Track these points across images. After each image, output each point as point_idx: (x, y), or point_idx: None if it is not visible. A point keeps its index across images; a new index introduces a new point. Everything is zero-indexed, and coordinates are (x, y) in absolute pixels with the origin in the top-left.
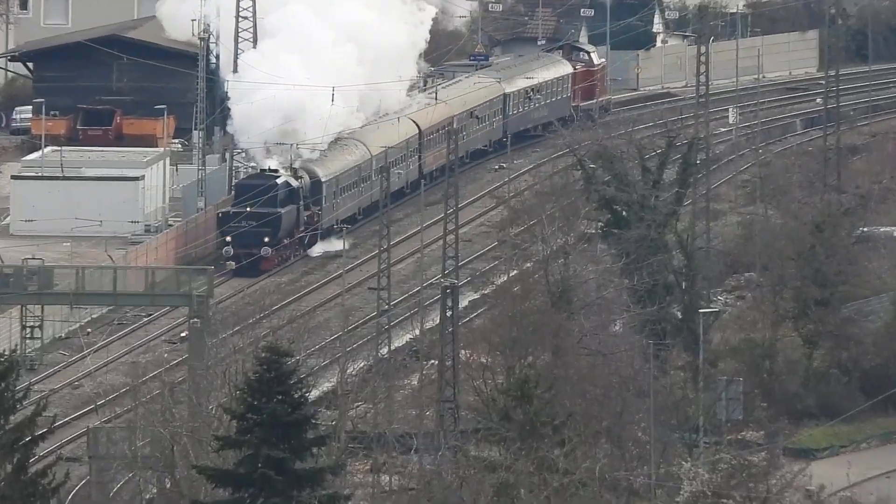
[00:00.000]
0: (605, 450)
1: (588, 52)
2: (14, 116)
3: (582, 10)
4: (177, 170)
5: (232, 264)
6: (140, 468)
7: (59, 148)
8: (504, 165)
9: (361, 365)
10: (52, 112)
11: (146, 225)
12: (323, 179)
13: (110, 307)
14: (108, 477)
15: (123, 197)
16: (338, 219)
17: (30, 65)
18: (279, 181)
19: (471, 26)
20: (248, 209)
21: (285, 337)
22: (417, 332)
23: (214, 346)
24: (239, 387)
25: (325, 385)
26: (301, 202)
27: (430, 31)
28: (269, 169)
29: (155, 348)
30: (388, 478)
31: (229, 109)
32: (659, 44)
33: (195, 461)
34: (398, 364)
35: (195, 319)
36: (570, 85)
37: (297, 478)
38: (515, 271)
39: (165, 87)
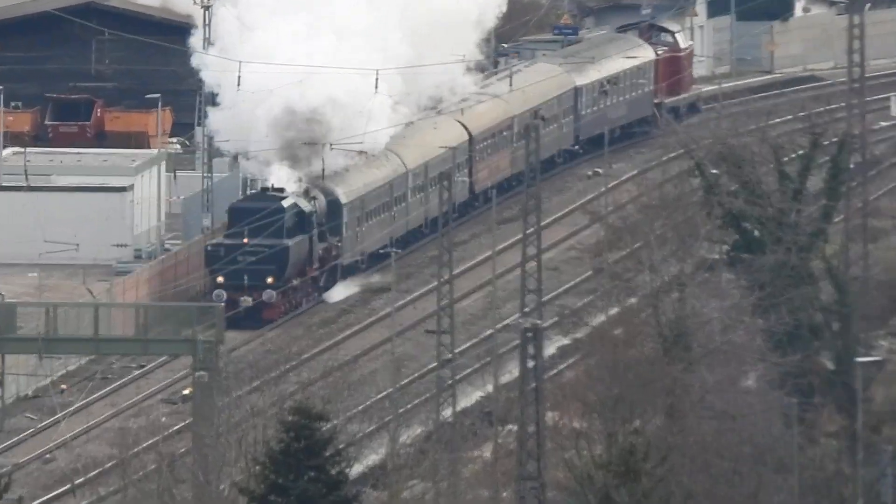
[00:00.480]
0: None
1: (672, 33)
2: None
3: None
4: (175, 178)
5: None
6: None
7: (22, 149)
8: (600, 171)
9: (418, 432)
10: (12, 103)
11: (136, 249)
12: (343, 201)
13: (91, 357)
14: None
15: (106, 213)
16: (363, 252)
17: None
18: (286, 203)
19: None
20: (244, 241)
21: (319, 395)
22: (490, 388)
23: (226, 406)
24: (259, 460)
25: (371, 458)
26: (315, 231)
27: None
28: (273, 187)
29: (149, 410)
30: None
31: (213, 97)
32: (799, 13)
33: None
34: (465, 430)
35: (201, 372)
36: (652, 75)
37: None
38: (616, 309)
39: (159, 70)
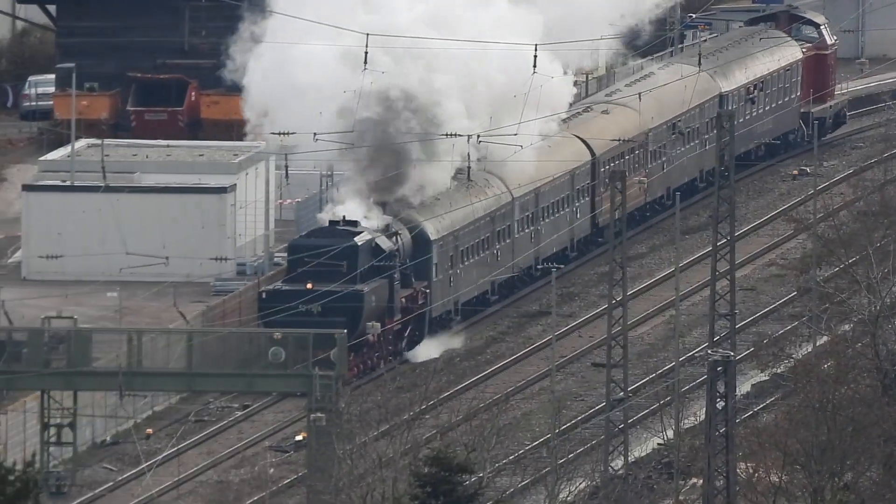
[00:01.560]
0: None
1: (818, 26)
2: (27, 91)
3: None
4: (287, 176)
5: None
6: None
7: (99, 141)
8: (807, 169)
9: (582, 486)
10: (87, 85)
11: (238, 264)
12: (433, 237)
13: (182, 394)
14: None
15: (202, 219)
16: (458, 301)
17: (51, 8)
18: (360, 240)
19: None
20: (308, 286)
21: (460, 441)
22: (670, 433)
23: (348, 455)
24: None
25: None
26: (397, 274)
27: None
28: (343, 220)
29: (254, 460)
30: None
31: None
32: None
33: None
34: (640, 485)
35: (318, 414)
36: (798, 79)
37: None
38: (826, 338)
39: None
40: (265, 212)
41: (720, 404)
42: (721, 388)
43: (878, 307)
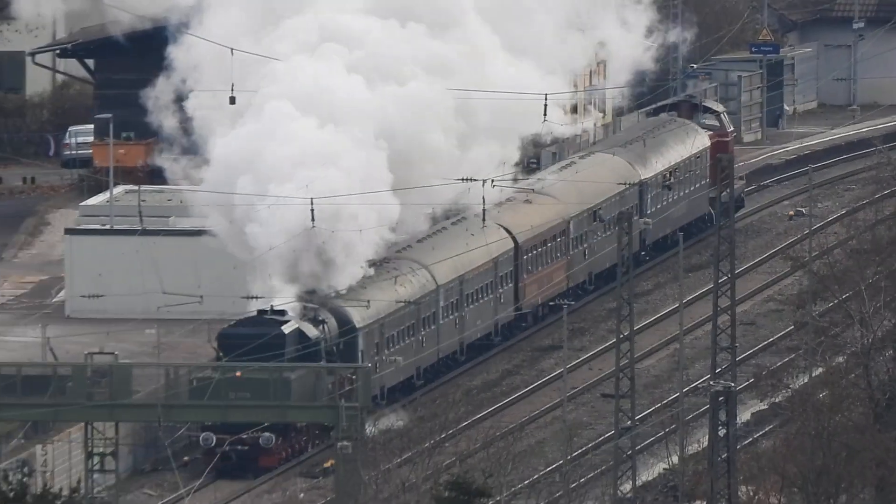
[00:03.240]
0: None
1: (718, 114)
2: (67, 140)
3: None
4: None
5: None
6: None
7: (135, 187)
8: (803, 210)
9: None
10: (123, 134)
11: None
12: (358, 325)
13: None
14: None
15: (234, 260)
16: (383, 386)
17: (89, 62)
18: (287, 329)
19: (752, 2)
20: (237, 374)
21: (479, 468)
22: (675, 459)
23: (373, 481)
24: None
25: None
26: (323, 361)
27: (691, 7)
28: (272, 309)
29: (286, 485)
30: None
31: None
32: None
33: None
34: None
35: (344, 442)
36: (706, 164)
37: None
38: (821, 369)
39: None
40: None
41: (722, 431)
42: (723, 417)
43: (870, 340)
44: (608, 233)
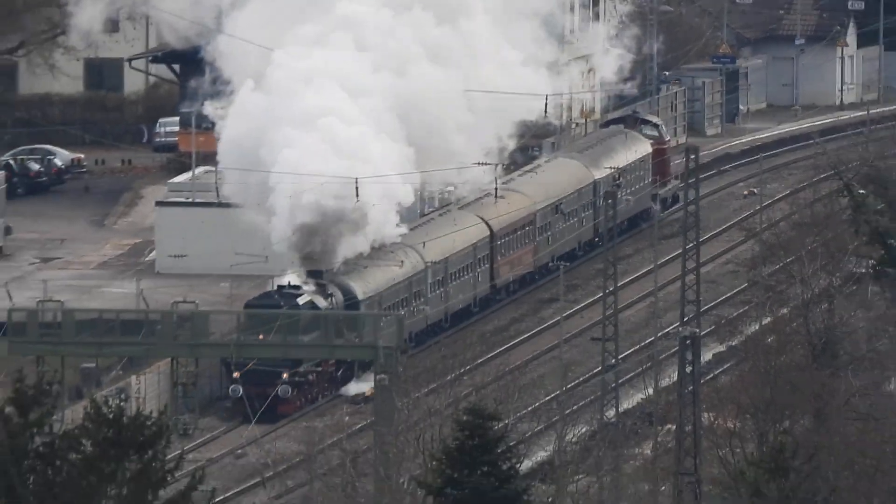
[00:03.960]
0: None
1: (657, 126)
2: (158, 130)
3: (850, 1)
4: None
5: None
6: None
7: (213, 168)
8: (755, 191)
9: (583, 430)
10: (203, 124)
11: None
12: (360, 297)
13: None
14: None
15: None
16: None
17: (176, 67)
18: (301, 301)
19: (713, 22)
20: (260, 337)
21: (491, 397)
22: (650, 391)
23: (405, 407)
24: (436, 456)
25: (540, 454)
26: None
27: (664, 27)
28: (289, 285)
29: (334, 410)
30: None
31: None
32: None
33: None
34: (627, 429)
35: (382, 375)
36: (650, 167)
37: None
38: (769, 319)
39: None
40: None
41: (689, 369)
42: (689, 357)
43: (808, 296)
44: (568, 223)
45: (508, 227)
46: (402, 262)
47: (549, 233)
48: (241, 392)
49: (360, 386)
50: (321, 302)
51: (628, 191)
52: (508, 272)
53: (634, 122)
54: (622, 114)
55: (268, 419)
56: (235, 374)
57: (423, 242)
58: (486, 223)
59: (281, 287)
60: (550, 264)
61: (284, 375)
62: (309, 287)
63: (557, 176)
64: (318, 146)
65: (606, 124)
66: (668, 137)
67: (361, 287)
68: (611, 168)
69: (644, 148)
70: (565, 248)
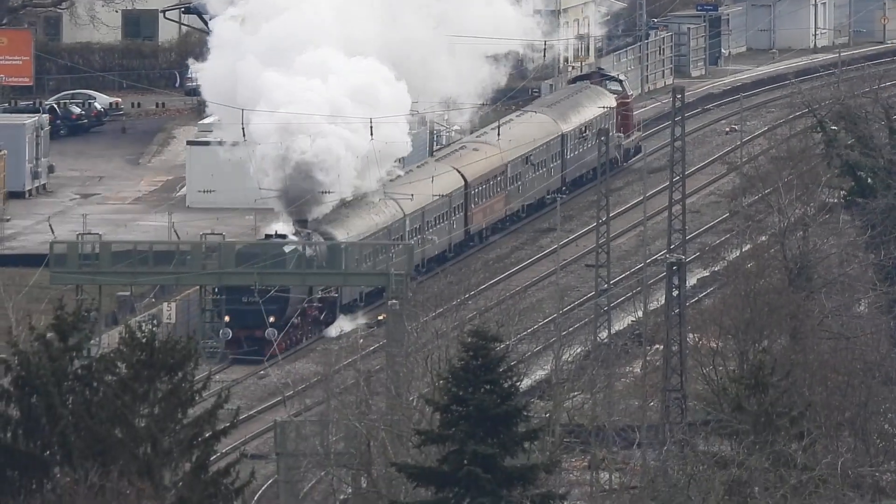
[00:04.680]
0: (848, 443)
1: (621, 81)
2: (189, 75)
3: None
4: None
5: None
6: (333, 466)
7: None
8: (736, 128)
9: (578, 351)
10: None
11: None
12: (343, 246)
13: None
14: (297, 476)
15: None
16: (362, 293)
17: (206, 16)
18: (287, 249)
19: None
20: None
21: (493, 320)
22: (640, 313)
23: (414, 330)
24: (442, 375)
25: (538, 373)
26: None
27: None
28: (276, 234)
29: (349, 334)
30: (607, 475)
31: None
32: None
33: (394, 458)
34: (619, 349)
35: (393, 301)
36: (614, 120)
37: (507, 476)
38: (749, 246)
39: None
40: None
41: (675, 293)
42: (676, 282)
43: (785, 224)
44: (537, 173)
45: (481, 177)
46: (382, 210)
47: (519, 182)
48: (230, 335)
49: (345, 323)
50: (306, 250)
51: (593, 142)
52: (482, 220)
53: (600, 78)
54: (588, 71)
55: (255, 360)
56: (226, 318)
57: (407, 194)
58: (461, 174)
59: (268, 236)
60: (521, 212)
61: (271, 319)
62: (294, 237)
63: (527, 129)
64: (327, 91)
65: (573, 80)
66: (631, 92)
67: (343, 235)
68: (579, 123)
69: (609, 101)
70: (535, 196)
